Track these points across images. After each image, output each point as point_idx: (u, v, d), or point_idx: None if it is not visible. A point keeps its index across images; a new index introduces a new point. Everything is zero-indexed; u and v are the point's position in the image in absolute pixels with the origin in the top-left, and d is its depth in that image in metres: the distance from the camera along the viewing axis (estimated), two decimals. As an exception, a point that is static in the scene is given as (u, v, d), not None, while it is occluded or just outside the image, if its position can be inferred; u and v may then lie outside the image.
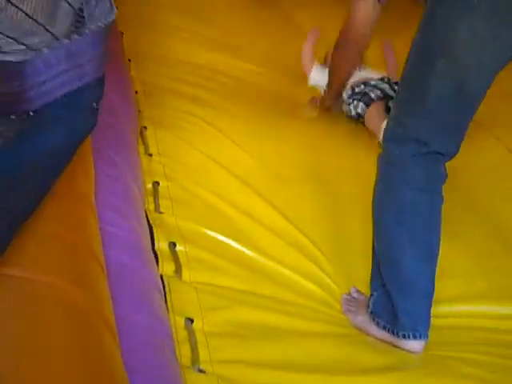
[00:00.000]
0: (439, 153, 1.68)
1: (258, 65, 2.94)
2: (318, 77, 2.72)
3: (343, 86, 2.67)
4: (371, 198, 1.76)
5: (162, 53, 2.78)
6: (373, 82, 2.64)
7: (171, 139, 2.32)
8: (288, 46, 3.11)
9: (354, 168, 2.32)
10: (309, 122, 2.58)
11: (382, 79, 2.66)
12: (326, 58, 2.73)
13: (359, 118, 2.60)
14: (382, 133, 1.79)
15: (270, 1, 3.69)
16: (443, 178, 1.72)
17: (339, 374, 1.60)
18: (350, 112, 2.63)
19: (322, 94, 2.73)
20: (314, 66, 2.75)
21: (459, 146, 1.72)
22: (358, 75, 2.69)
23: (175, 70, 2.74)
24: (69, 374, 1.07)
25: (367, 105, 2.56)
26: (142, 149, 2.25)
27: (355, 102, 2.60)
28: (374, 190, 1.76)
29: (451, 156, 1.71)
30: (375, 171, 1.77)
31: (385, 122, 1.82)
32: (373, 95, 2.58)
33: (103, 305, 1.25)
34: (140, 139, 2.30)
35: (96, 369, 1.10)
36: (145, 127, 2.37)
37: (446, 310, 1.88)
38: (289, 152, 2.38)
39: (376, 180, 1.76)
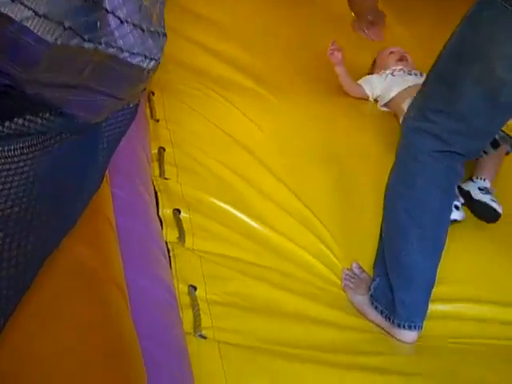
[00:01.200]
0: (460, 153, 1.67)
1: (275, 41, 2.79)
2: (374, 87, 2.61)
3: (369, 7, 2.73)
4: (383, 182, 1.75)
5: (173, 26, 2.70)
6: None
7: (179, 106, 2.28)
8: (306, 20, 3.03)
9: (370, 149, 2.27)
10: (326, 100, 2.50)
11: None
12: (373, 65, 2.67)
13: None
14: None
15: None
16: (460, 176, 1.72)
17: (335, 352, 1.62)
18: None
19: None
20: (362, 82, 2.62)
21: (482, 149, 1.70)
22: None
23: (187, 43, 2.65)
24: (79, 332, 1.09)
25: None
26: (148, 113, 2.22)
27: None
28: (390, 176, 1.74)
29: (472, 157, 1.70)
30: (390, 155, 1.76)
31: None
32: None
33: (114, 265, 1.26)
34: (147, 104, 2.28)
35: (106, 327, 1.11)
36: (152, 92, 2.34)
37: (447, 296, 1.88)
38: (301, 128, 2.31)
39: (393, 167, 1.74)
